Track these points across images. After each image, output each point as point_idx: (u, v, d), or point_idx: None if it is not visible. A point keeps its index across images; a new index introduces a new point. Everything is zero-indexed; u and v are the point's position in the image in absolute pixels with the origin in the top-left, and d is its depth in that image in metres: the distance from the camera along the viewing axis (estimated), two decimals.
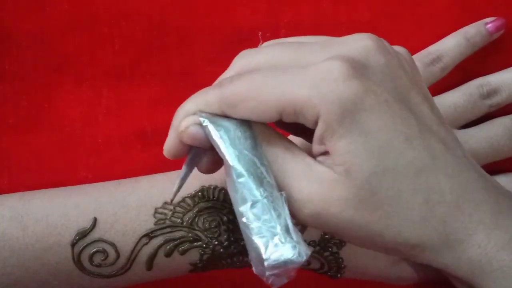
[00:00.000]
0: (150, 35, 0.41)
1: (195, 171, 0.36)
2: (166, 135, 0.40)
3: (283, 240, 0.27)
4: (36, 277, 0.34)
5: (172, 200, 0.33)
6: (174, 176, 0.36)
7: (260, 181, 0.28)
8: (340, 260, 0.36)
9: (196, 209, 0.35)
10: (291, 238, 0.27)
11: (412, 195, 0.28)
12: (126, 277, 0.35)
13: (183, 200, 0.35)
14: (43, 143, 0.40)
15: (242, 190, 0.28)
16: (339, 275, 0.37)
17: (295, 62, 0.28)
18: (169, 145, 0.30)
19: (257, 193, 0.28)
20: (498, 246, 0.29)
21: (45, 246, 0.34)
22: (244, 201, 0.28)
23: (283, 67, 0.28)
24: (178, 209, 0.35)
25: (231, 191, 0.29)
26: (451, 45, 0.39)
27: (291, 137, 0.33)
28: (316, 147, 0.28)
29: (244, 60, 0.30)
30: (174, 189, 0.31)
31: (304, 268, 0.38)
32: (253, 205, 0.28)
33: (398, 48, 0.30)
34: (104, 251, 0.34)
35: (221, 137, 0.29)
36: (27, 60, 0.41)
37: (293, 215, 0.28)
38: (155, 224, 0.35)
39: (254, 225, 0.27)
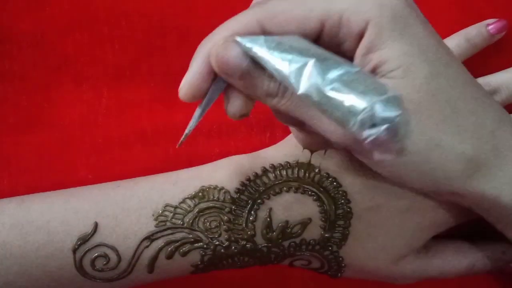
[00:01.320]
0: (150, 35, 0.41)
1: (192, 172, 0.36)
2: (166, 135, 0.41)
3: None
4: (38, 284, 0.34)
5: (179, 145, 0.32)
6: (174, 177, 0.36)
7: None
8: (340, 259, 0.36)
9: (196, 210, 0.35)
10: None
11: (464, 103, 0.29)
12: (128, 280, 0.35)
13: (184, 201, 0.35)
14: (43, 143, 0.40)
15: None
16: (339, 275, 0.37)
17: None
18: (190, 82, 0.29)
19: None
20: None
21: (46, 253, 0.34)
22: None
23: None
24: (178, 210, 0.35)
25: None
26: (451, 46, 0.39)
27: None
28: (361, 62, 0.29)
29: None
30: (186, 131, 0.31)
31: (304, 268, 0.38)
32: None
33: None
34: (105, 256, 0.34)
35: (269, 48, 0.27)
36: (27, 60, 0.41)
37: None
38: (156, 226, 0.35)
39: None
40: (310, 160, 0.36)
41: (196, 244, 0.35)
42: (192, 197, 0.35)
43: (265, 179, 0.36)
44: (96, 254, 0.34)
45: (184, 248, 0.35)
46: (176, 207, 0.35)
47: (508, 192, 0.30)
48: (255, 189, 0.35)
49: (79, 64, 0.41)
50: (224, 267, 0.36)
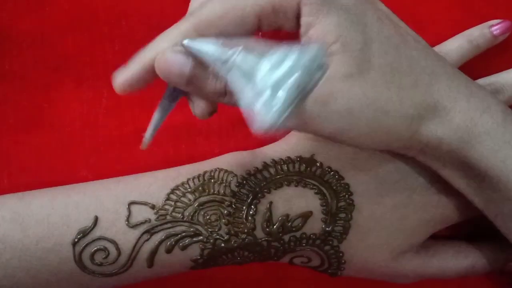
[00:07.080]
0: (150, 35, 0.41)
1: (193, 167, 0.37)
2: (166, 135, 0.41)
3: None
4: (37, 279, 0.34)
5: (143, 148, 0.34)
6: (175, 172, 0.36)
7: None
8: (341, 254, 0.36)
9: (196, 204, 0.35)
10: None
11: (398, 63, 0.30)
12: (127, 276, 0.35)
13: (184, 195, 0.35)
14: (43, 143, 0.40)
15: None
16: (339, 273, 0.37)
17: None
18: (128, 76, 0.32)
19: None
20: (480, 111, 0.31)
21: (46, 247, 0.34)
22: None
23: None
24: (179, 204, 0.35)
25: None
26: (454, 47, 0.39)
27: None
28: (306, 40, 0.30)
29: None
30: (147, 136, 0.34)
31: (304, 266, 0.38)
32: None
33: None
34: (105, 249, 0.34)
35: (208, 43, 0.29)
36: (27, 60, 0.41)
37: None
38: (156, 220, 0.35)
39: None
40: (312, 155, 0.36)
41: (196, 238, 0.35)
42: (192, 191, 0.35)
43: (265, 173, 0.36)
44: (96, 248, 0.34)
45: (183, 242, 0.35)
46: (176, 201, 0.35)
47: (453, 136, 0.31)
48: (255, 183, 0.36)
49: (79, 64, 0.41)
50: (224, 263, 0.36)
